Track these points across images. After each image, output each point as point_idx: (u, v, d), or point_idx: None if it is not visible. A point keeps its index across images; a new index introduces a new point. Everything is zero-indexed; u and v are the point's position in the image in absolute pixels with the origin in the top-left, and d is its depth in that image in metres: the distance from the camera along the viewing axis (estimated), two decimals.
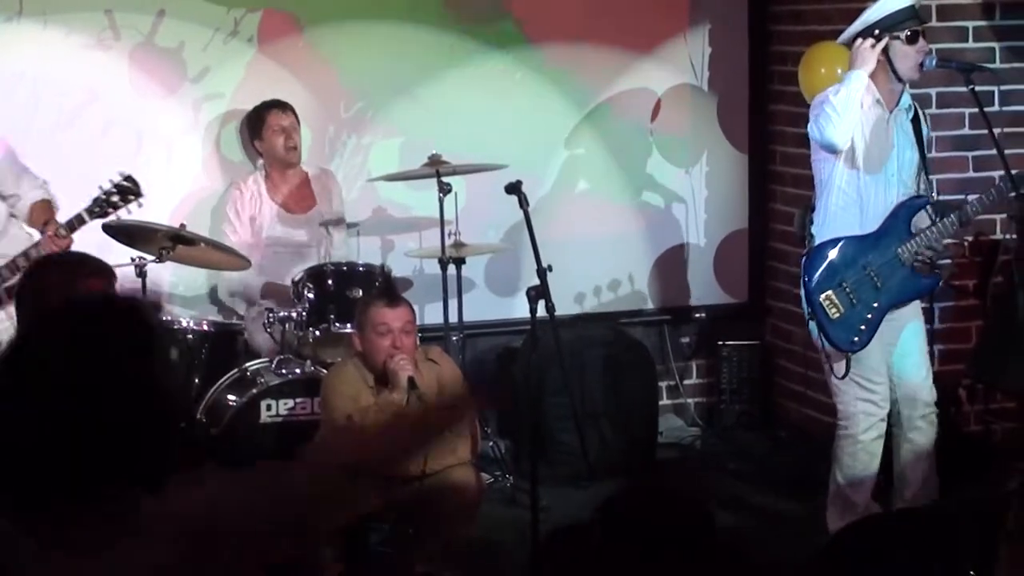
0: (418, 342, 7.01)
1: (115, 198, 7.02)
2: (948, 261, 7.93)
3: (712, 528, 3.53)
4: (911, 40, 7.06)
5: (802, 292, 7.28)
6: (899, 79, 7.16)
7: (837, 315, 7.18)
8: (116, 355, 3.34)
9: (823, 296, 7.20)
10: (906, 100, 7.24)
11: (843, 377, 7.21)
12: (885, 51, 7.09)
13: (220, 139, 8.67)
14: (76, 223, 6.98)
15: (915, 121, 7.29)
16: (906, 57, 7.07)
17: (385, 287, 7.12)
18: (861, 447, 7.27)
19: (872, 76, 7.12)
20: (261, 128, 8.23)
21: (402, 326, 6.80)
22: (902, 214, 7.22)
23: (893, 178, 7.23)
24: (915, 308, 7.43)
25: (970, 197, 7.25)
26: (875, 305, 7.19)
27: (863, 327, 7.17)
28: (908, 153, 7.25)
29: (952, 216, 7.14)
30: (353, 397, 6.75)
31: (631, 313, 9.24)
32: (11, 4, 8.21)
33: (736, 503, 7.92)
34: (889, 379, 7.37)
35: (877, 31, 7.08)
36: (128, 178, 7.10)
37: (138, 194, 7.13)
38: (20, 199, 7.13)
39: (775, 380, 9.18)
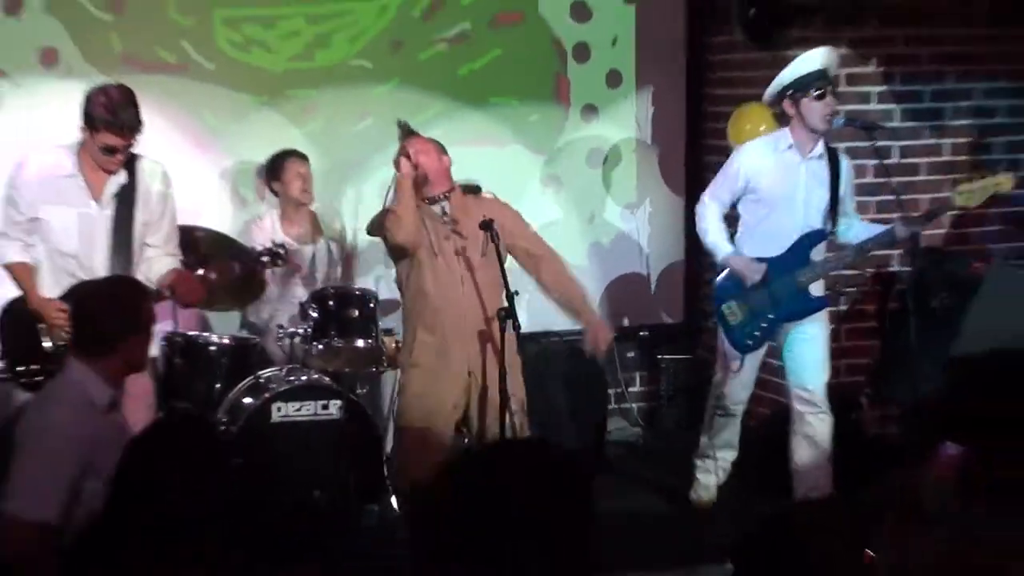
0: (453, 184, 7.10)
1: (265, 258, 7.13)
2: (852, 289, 8.01)
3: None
4: (819, 98, 7.21)
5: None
6: (811, 130, 7.27)
7: (735, 321, 7.44)
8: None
9: (724, 305, 7.47)
10: (819, 149, 7.35)
11: (738, 371, 7.48)
12: (797, 107, 7.25)
13: (237, 182, 8.72)
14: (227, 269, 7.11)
15: (834, 168, 7.38)
16: (813, 112, 7.22)
17: (404, 130, 7.13)
18: (723, 425, 7.71)
19: (790, 127, 7.34)
20: (281, 173, 8.25)
21: (416, 148, 6.90)
22: (803, 244, 7.36)
23: (799, 212, 7.36)
24: (818, 323, 7.50)
25: (861, 243, 7.39)
26: (770, 317, 7.40)
27: (757, 333, 7.43)
28: (817, 193, 7.36)
29: (840, 257, 7.43)
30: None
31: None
32: (66, 67, 8.34)
33: (670, 493, 7.99)
34: (788, 380, 7.56)
35: (791, 91, 7.25)
36: (281, 246, 7.25)
37: (286, 261, 7.31)
38: (162, 262, 6.95)
39: (706, 388, 9.15)
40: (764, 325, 7.40)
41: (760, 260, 7.35)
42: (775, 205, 7.37)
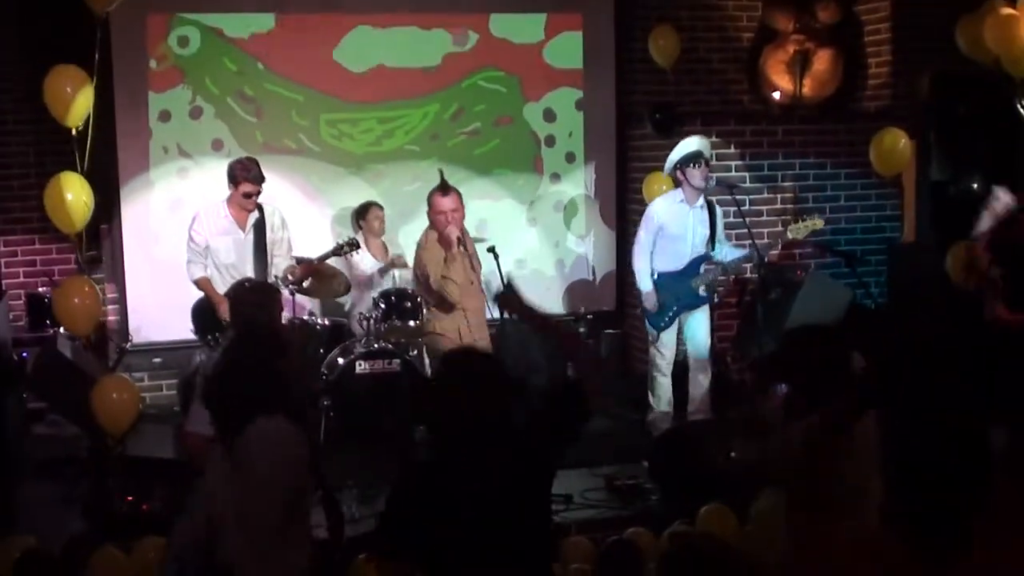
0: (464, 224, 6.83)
1: (346, 248, 7.15)
2: (720, 288, 7.97)
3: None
4: (696, 167, 7.20)
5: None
6: (694, 188, 7.23)
7: (654, 311, 7.37)
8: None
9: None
10: (701, 201, 7.31)
11: (656, 341, 7.42)
12: (684, 174, 7.21)
13: (334, 222, 8.60)
14: (323, 258, 7.07)
15: (711, 213, 7.36)
16: (694, 177, 7.22)
17: (441, 183, 6.87)
18: (660, 383, 7.45)
19: (681, 188, 7.30)
20: (366, 215, 8.12)
21: (452, 207, 6.68)
22: (695, 262, 7.34)
23: (688, 242, 7.33)
24: (703, 310, 7.45)
25: (728, 261, 7.40)
26: (675, 308, 7.36)
27: (667, 318, 7.39)
28: (700, 229, 7.32)
29: (715, 269, 7.35)
30: (438, 260, 6.69)
31: (554, 315, 8.95)
32: (228, 151, 8.25)
33: (603, 413, 7.83)
34: (686, 346, 7.52)
35: (679, 165, 7.24)
36: (354, 239, 7.30)
37: (358, 247, 7.31)
38: (283, 263, 7.06)
39: (629, 351, 9.15)
40: (671, 313, 7.35)
41: (666, 273, 7.31)
42: (675, 237, 7.32)
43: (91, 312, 6.15)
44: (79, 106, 6.05)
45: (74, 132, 6.06)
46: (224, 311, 6.67)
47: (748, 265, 8.22)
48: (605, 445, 7.10)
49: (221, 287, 6.90)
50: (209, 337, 7.01)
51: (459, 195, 6.77)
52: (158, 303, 8.17)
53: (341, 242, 7.20)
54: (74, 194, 6.05)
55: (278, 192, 8.03)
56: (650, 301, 7.32)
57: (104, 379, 6.24)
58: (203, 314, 7.09)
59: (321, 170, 8.61)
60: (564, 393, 3.63)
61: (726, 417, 7.39)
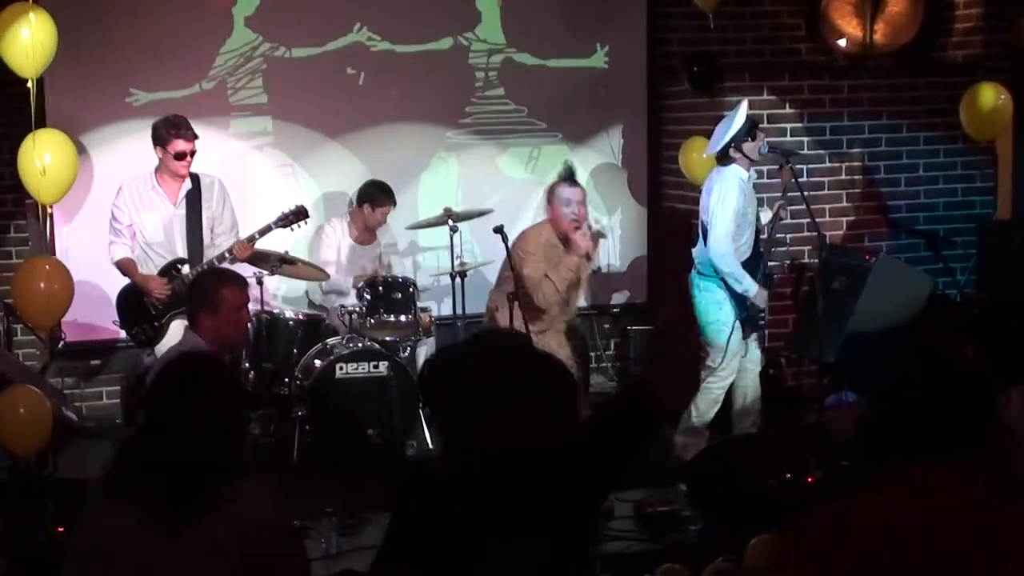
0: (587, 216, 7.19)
1: (292, 217, 7.07)
2: (775, 275, 7.90)
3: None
4: (752, 139, 7.03)
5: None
6: (751, 160, 7.09)
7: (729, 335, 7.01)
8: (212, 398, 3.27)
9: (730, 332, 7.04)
10: (752, 175, 7.19)
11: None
12: (740, 150, 7.02)
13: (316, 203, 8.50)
14: (264, 231, 7.00)
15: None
16: (751, 149, 7.05)
17: (569, 174, 7.11)
18: (713, 392, 7.17)
19: (737, 162, 7.04)
20: (374, 204, 7.90)
21: (580, 200, 6.99)
22: (756, 251, 7.15)
23: (754, 225, 7.14)
24: None
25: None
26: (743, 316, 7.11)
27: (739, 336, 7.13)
28: (755, 206, 7.20)
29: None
30: (546, 256, 7.01)
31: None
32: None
33: None
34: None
35: (733, 144, 6.99)
36: (301, 207, 7.15)
37: (307, 217, 7.18)
38: (226, 241, 7.02)
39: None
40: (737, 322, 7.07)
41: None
42: (748, 224, 7.08)
43: (61, 301, 6.00)
44: (41, 51, 5.77)
45: (29, 84, 5.83)
46: (155, 291, 6.87)
47: (807, 248, 8.16)
48: (633, 465, 7.03)
49: (147, 269, 6.98)
50: (135, 330, 7.05)
51: (583, 189, 7.13)
52: (98, 293, 7.93)
53: (286, 211, 7.08)
54: (55, 156, 5.90)
55: (235, 165, 7.94)
56: (762, 299, 7.03)
57: (12, 390, 6.04)
58: (128, 302, 7.07)
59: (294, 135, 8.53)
60: (637, 396, 3.29)
61: (779, 430, 7.32)
